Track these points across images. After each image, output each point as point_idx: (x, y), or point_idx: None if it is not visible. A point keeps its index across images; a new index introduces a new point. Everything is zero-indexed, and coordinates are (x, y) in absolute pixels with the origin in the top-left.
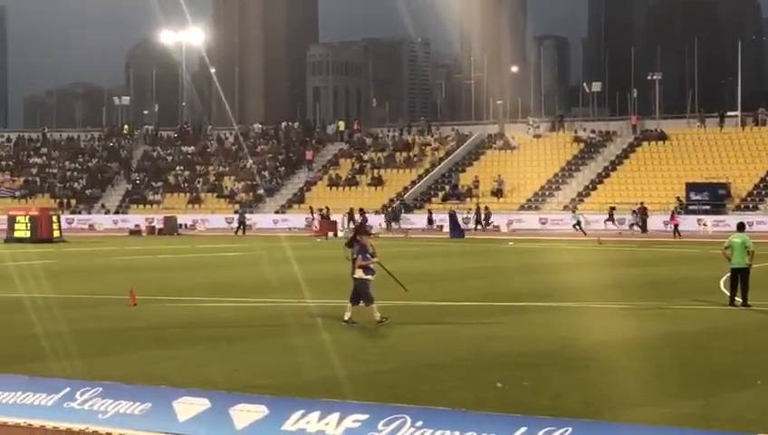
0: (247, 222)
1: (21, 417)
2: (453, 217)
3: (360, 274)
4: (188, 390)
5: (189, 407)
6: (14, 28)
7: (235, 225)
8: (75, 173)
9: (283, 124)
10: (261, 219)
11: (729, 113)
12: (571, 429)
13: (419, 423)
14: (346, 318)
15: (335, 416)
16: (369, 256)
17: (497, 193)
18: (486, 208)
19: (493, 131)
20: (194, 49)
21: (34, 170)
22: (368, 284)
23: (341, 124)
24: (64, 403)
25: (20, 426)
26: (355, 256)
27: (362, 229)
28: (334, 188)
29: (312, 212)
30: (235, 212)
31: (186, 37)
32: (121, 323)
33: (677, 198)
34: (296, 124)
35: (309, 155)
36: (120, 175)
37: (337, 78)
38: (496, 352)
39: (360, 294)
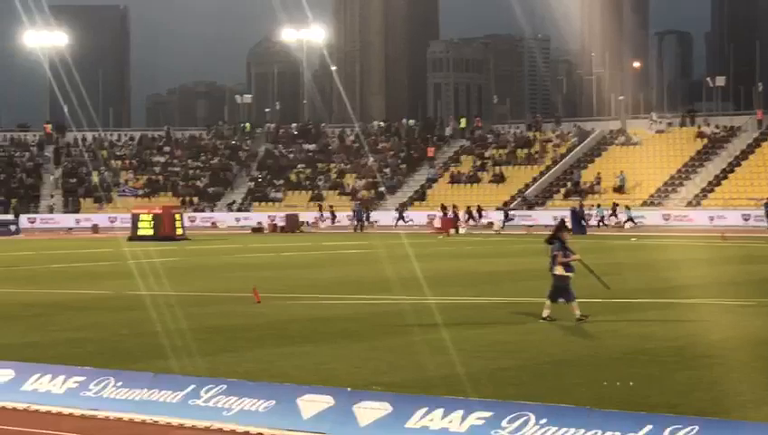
0: (368, 219)
1: (147, 414)
2: (575, 213)
3: (560, 270)
4: (312, 387)
5: (313, 404)
6: (136, 28)
7: (354, 221)
8: (198, 171)
9: (405, 121)
10: (382, 217)
11: None
12: (697, 427)
13: (543, 421)
14: (544, 315)
15: (459, 413)
16: (569, 252)
17: (619, 189)
18: (616, 205)
19: (614, 127)
20: (315, 47)
21: (157, 169)
22: (568, 280)
23: (462, 121)
24: (189, 400)
25: (146, 423)
26: (555, 252)
27: (563, 226)
28: (455, 185)
29: (443, 209)
30: (353, 210)
31: (307, 35)
32: (245, 320)
33: None
34: (411, 121)
35: (430, 152)
36: (241, 173)
37: (457, 75)
38: (618, 349)
39: (561, 290)
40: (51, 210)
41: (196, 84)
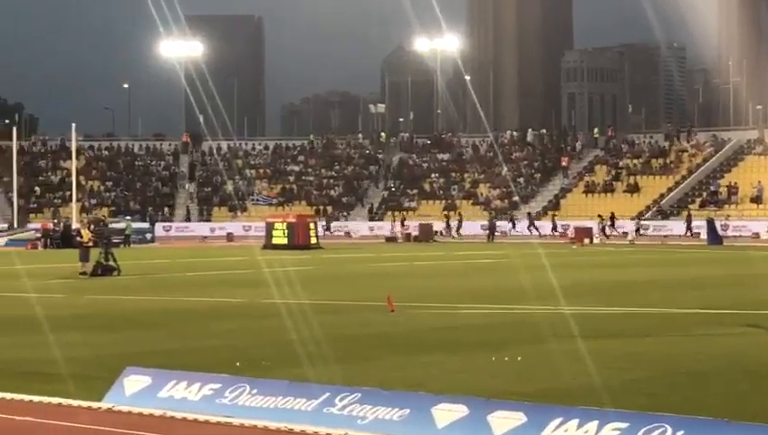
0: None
1: (281, 421)
2: (711, 223)
3: None
4: (446, 396)
5: (447, 413)
6: (270, 37)
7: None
8: (332, 180)
9: (540, 131)
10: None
11: None
12: None
13: (681, 432)
14: None
15: (594, 424)
16: None
17: (756, 200)
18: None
19: (752, 137)
20: (448, 56)
21: (292, 178)
22: None
23: (596, 131)
24: (324, 408)
25: (280, 430)
26: None
27: None
28: (590, 195)
29: (602, 219)
30: (489, 220)
31: (440, 44)
32: (378, 328)
33: None
34: (543, 131)
35: (564, 162)
36: (375, 182)
37: (592, 84)
38: (756, 361)
39: None
40: (186, 219)
41: (330, 94)
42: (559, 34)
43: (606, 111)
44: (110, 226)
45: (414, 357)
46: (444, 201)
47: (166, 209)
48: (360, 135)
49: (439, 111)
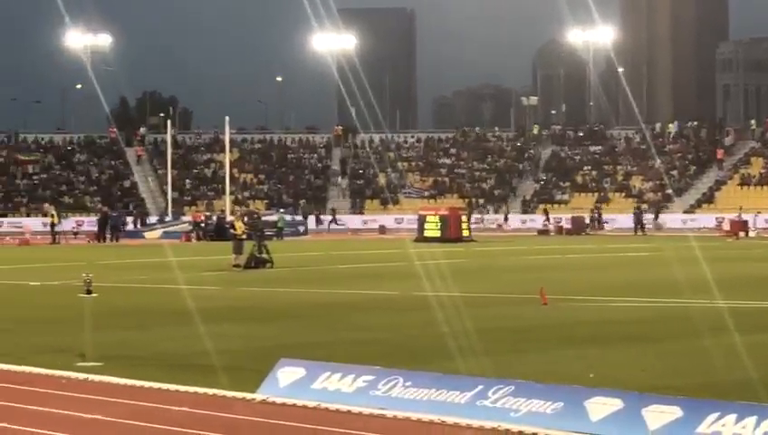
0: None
1: (434, 414)
2: None
3: None
4: (600, 389)
5: (601, 407)
6: (422, 30)
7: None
8: (484, 173)
9: (693, 123)
10: (669, 219)
11: None
12: None
13: None
14: None
15: (752, 419)
16: None
17: None
18: None
19: None
20: (601, 48)
21: (443, 171)
22: None
23: (753, 123)
24: (477, 401)
25: (433, 422)
26: None
27: None
28: (745, 188)
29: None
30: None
31: (593, 36)
32: (531, 322)
33: None
34: (695, 123)
35: (719, 154)
36: (527, 175)
37: (748, 75)
38: None
39: None
40: (337, 211)
41: (482, 86)
42: (714, 25)
43: (762, 103)
44: (263, 218)
45: (566, 350)
46: (596, 194)
47: (318, 202)
48: (512, 127)
49: (591, 104)
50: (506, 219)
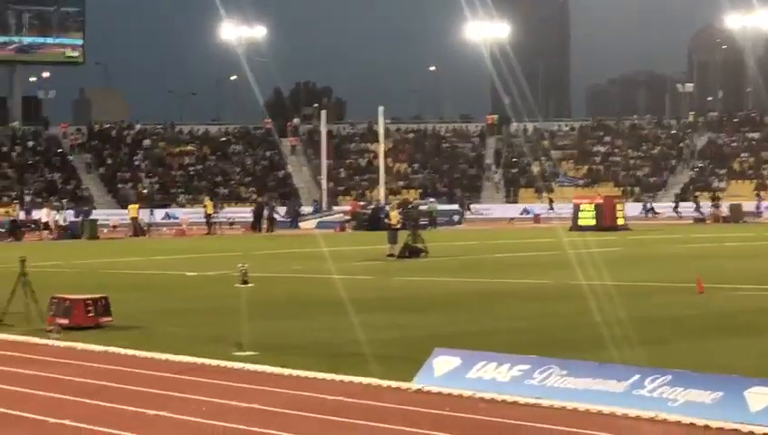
0: None
1: (590, 403)
2: None
3: None
4: (761, 379)
5: (762, 397)
6: (576, 17)
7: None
8: (638, 161)
9: None
10: None
11: None
12: None
13: None
14: None
15: None
16: None
17: None
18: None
19: None
20: (760, 33)
21: (598, 159)
22: None
23: None
24: (633, 390)
25: (590, 412)
26: None
27: None
28: None
29: None
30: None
31: (752, 21)
32: (686, 310)
33: None
34: None
35: None
36: (682, 162)
37: None
38: None
39: None
40: (492, 200)
41: (637, 73)
42: None
43: None
44: (417, 208)
45: (723, 339)
46: (754, 181)
47: (472, 191)
48: (667, 114)
49: (749, 90)
50: (677, 207)
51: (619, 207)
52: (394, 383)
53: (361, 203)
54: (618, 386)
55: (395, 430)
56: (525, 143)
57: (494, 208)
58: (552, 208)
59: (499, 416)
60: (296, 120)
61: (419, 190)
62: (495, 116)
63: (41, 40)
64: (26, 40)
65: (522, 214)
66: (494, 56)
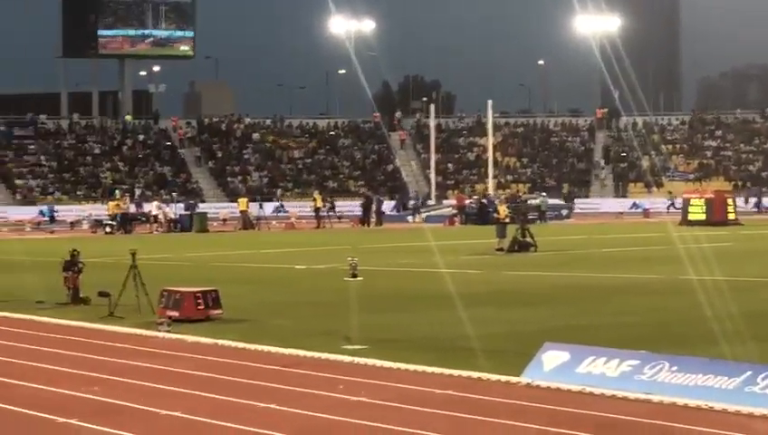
0: None
1: (701, 399)
2: None
3: None
4: None
5: None
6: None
7: None
8: (750, 156)
9: None
10: None
11: None
12: None
13: None
14: None
15: None
16: None
17: None
18: None
19: None
20: None
21: (709, 153)
22: None
23: None
24: (745, 387)
25: (700, 408)
26: None
27: None
28: None
29: None
30: None
31: None
32: None
33: None
34: None
35: None
36: None
37: None
38: None
39: None
40: (601, 194)
41: (749, 66)
42: None
43: None
44: (527, 202)
45: None
46: None
47: (581, 186)
48: None
49: None
50: None
51: (729, 201)
52: (503, 377)
53: (475, 197)
54: (729, 382)
55: (505, 424)
56: (635, 137)
57: (602, 203)
58: (672, 204)
59: (608, 411)
60: (398, 114)
61: (528, 184)
62: (605, 110)
63: (156, 33)
64: (139, 33)
65: (631, 208)
66: (603, 49)
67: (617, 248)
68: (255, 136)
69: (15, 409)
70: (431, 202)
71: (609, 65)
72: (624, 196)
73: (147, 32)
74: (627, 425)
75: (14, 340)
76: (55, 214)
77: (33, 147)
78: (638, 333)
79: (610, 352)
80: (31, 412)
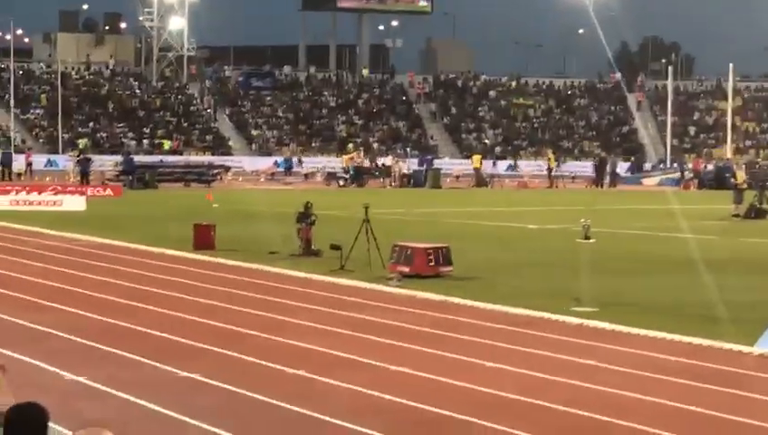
0: None
1: None
2: None
3: None
4: None
5: None
6: None
7: None
8: None
9: None
10: None
11: None
12: None
13: None
14: None
15: None
16: None
17: None
18: None
19: None
20: None
21: None
22: None
23: None
24: None
25: None
26: None
27: None
28: None
29: None
30: None
31: None
32: None
33: None
34: None
35: None
36: None
37: None
38: None
39: None
40: None
41: None
42: None
43: None
44: (765, 168)
45: None
46: None
47: None
48: None
49: None
50: None
51: None
52: (736, 347)
53: (712, 162)
54: None
55: (727, 393)
56: None
57: None
58: None
59: None
60: (640, 77)
61: (767, 151)
62: None
63: None
64: None
65: None
66: None
67: None
68: (491, 94)
69: (246, 358)
70: (664, 166)
71: None
72: None
73: None
74: None
75: (246, 289)
76: (302, 164)
77: (269, 98)
78: None
79: None
80: (261, 362)
